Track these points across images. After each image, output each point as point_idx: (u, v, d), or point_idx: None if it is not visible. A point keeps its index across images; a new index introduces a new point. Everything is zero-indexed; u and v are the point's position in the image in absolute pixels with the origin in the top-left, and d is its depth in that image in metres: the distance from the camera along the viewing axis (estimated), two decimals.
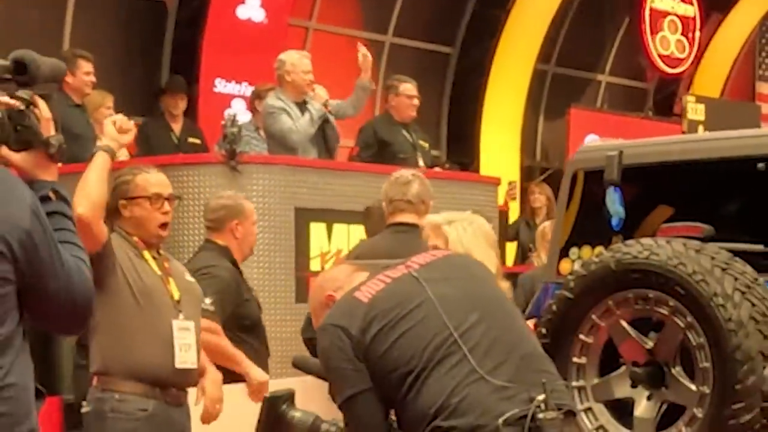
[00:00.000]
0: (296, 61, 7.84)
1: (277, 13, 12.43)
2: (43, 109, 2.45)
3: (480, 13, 14.80)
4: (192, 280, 4.59)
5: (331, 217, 7.09)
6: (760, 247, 4.70)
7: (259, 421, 3.34)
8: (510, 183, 11.39)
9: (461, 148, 14.82)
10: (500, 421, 2.98)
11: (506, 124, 15.06)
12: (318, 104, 7.77)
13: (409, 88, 8.50)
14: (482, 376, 3.04)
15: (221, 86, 12.08)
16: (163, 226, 4.43)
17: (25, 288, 2.30)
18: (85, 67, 7.63)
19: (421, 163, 8.16)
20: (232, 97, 11.83)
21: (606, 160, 4.95)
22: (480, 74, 14.79)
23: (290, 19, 12.80)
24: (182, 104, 9.24)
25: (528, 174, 15.08)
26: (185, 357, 4.33)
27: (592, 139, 14.57)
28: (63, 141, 2.48)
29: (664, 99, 16.55)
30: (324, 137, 7.83)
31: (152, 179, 4.45)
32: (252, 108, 8.92)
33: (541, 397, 3.01)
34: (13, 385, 2.26)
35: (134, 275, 4.30)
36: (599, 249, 4.85)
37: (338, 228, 7.09)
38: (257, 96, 8.81)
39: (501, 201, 11.38)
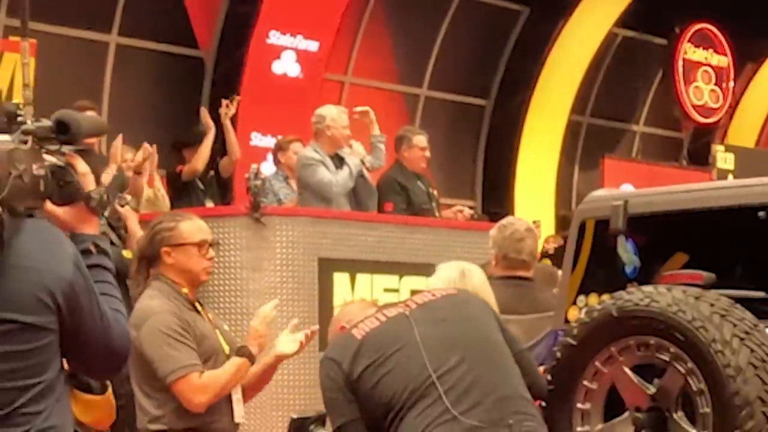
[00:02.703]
0: (336, 116, 8.04)
1: (312, 68, 12.66)
2: (79, 165, 2.56)
3: (514, 65, 14.98)
4: (228, 329, 4.64)
5: (354, 267, 7.22)
6: (761, 294, 4.76)
7: None
8: (534, 222, 11.49)
9: (496, 199, 14.95)
10: None
11: (541, 174, 15.18)
12: (357, 159, 7.95)
13: (422, 140, 8.62)
14: (455, 416, 3.18)
15: (257, 139, 12.32)
16: (207, 271, 4.42)
17: (67, 336, 2.42)
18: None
19: (436, 213, 8.32)
20: (268, 151, 12.04)
21: (611, 210, 5.04)
22: (514, 126, 14.94)
23: (326, 74, 13.03)
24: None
25: (563, 224, 15.16)
26: (239, 410, 4.35)
27: (626, 188, 14.65)
28: (104, 193, 2.59)
29: (698, 148, 16.62)
30: (354, 191, 8.00)
31: (198, 226, 4.46)
32: (276, 159, 9.09)
33: None
34: (53, 427, 2.39)
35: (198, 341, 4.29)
36: (605, 296, 4.93)
37: (361, 278, 7.22)
38: (279, 148, 9.02)
39: None
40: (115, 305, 2.54)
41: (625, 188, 14.91)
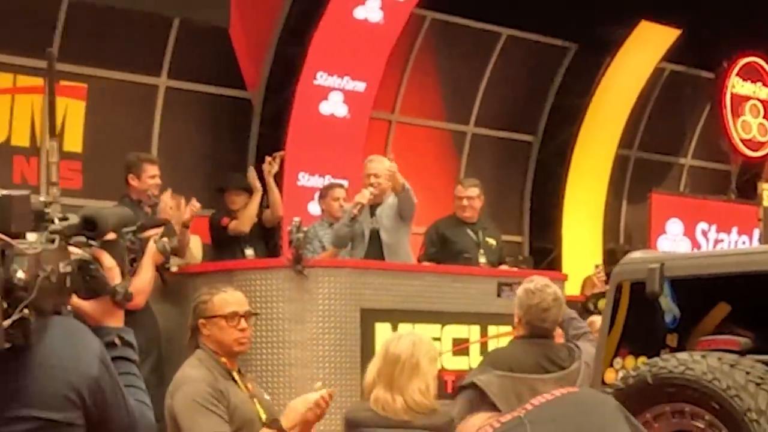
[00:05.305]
0: (364, 164, 8.15)
1: (359, 108, 12.74)
2: (106, 259, 2.62)
3: (561, 101, 14.98)
4: (269, 398, 4.76)
5: (396, 317, 7.27)
6: None
7: None
8: (596, 266, 11.47)
9: (544, 234, 14.95)
10: None
11: (589, 209, 15.15)
12: (349, 206, 8.03)
13: (460, 189, 8.71)
14: None
15: (304, 180, 12.40)
16: (240, 342, 4.62)
17: (93, 430, 2.48)
18: (150, 170, 7.71)
19: (482, 260, 8.36)
20: (315, 190, 12.13)
21: (647, 272, 5.07)
22: (562, 161, 14.93)
23: (373, 113, 13.11)
24: (239, 200, 8.94)
25: (611, 258, 15.09)
26: None
27: (673, 223, 14.65)
28: (128, 287, 2.64)
29: (747, 181, 16.50)
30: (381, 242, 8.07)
31: (230, 298, 4.69)
32: (320, 206, 9.19)
33: None
34: None
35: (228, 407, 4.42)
36: (641, 359, 4.95)
37: (403, 328, 7.26)
38: (321, 195, 9.13)
39: (579, 291, 11.48)
40: (139, 396, 2.61)
41: (673, 223, 14.90)
